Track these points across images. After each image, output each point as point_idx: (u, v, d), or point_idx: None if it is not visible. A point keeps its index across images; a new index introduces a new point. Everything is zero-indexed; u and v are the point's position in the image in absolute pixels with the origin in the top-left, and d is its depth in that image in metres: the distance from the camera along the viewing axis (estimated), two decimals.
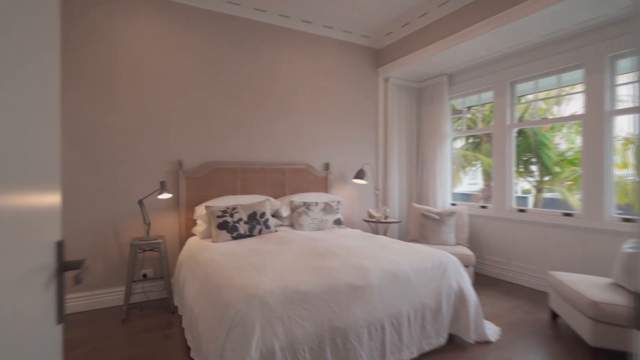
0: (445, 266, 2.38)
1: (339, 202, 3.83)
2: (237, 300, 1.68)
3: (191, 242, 3.03)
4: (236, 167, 3.63)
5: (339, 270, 2.01)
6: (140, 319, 2.83)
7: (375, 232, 4.34)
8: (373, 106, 4.60)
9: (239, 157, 3.70)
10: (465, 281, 2.46)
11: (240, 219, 3.05)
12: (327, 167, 4.23)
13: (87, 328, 2.66)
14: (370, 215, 4.16)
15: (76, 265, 0.68)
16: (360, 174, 4.11)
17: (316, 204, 3.61)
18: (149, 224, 3.04)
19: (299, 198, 3.65)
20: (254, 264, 2.10)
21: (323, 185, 4.17)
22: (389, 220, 4.04)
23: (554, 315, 2.82)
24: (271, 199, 3.50)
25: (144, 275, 3.24)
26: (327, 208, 3.62)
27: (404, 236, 4.67)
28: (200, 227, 3.15)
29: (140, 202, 3.02)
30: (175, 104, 3.37)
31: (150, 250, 3.01)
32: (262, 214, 3.18)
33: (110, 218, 3.10)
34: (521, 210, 3.77)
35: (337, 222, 3.58)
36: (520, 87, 3.94)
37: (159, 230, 3.30)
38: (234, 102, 3.66)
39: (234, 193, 3.62)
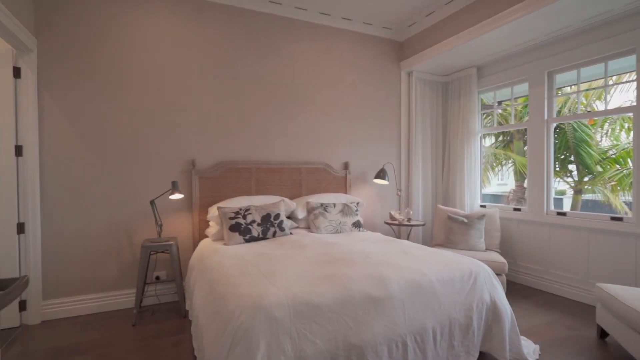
0: (476, 276, 2.12)
1: (358, 203, 3.62)
2: (241, 311, 1.52)
3: (203, 244, 2.92)
4: (251, 166, 3.50)
5: (355, 280, 1.81)
6: (151, 323, 2.74)
7: (398, 235, 4.09)
8: (395, 102, 4.35)
9: (254, 156, 3.56)
10: (499, 293, 2.18)
11: (253, 221, 2.90)
12: (346, 166, 4.02)
13: (98, 331, 2.60)
14: (392, 218, 3.92)
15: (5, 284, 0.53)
16: (381, 174, 3.88)
17: (334, 205, 3.41)
18: (160, 225, 2.95)
19: (316, 199, 3.47)
20: (263, 271, 1.93)
21: (342, 185, 3.97)
22: (412, 223, 3.78)
23: (603, 333, 2.49)
24: (286, 199, 3.34)
25: (157, 278, 3.16)
26: (346, 210, 3.41)
27: (428, 240, 4.39)
28: (212, 228, 3.03)
29: (152, 203, 2.93)
30: (189, 102, 3.28)
31: (162, 252, 2.93)
32: (277, 216, 3.03)
33: (123, 218, 3.04)
34: (560, 214, 3.41)
35: (356, 225, 3.37)
36: (560, 78, 3.57)
37: (172, 231, 3.21)
38: (249, 99, 3.53)
39: (249, 193, 3.49)
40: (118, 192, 3.03)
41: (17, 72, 2.66)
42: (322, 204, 3.36)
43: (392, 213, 3.93)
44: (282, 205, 3.15)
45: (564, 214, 3.39)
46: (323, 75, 3.90)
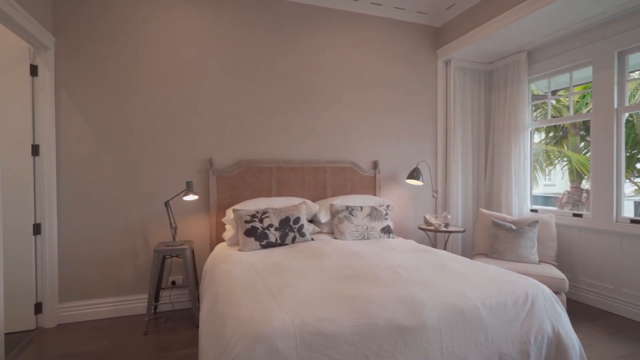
0: (534, 300, 1.71)
1: (388, 206, 3.26)
2: (238, 340, 1.25)
3: (218, 249, 2.72)
4: (271, 165, 3.26)
5: (380, 303, 1.49)
6: (163, 332, 2.58)
7: (433, 244, 3.68)
8: (431, 95, 3.93)
9: (275, 155, 3.33)
10: (564, 322, 1.76)
11: (270, 225, 2.66)
12: (375, 165, 3.67)
13: (108, 339, 2.47)
14: (427, 223, 3.52)
15: None
16: (414, 174, 3.49)
17: (361, 208, 3.08)
18: (175, 228, 2.79)
19: (341, 201, 3.16)
20: (272, 286, 1.66)
21: (370, 186, 3.63)
22: (449, 229, 3.36)
23: None
24: (308, 201, 3.06)
25: (173, 283, 3.01)
26: (374, 213, 3.07)
27: (469, 249, 3.92)
28: (228, 232, 2.82)
29: (167, 204, 2.78)
30: (206, 98, 3.10)
31: (176, 256, 2.76)
32: (297, 220, 2.76)
33: (139, 220, 2.93)
34: (635, 221, 2.84)
35: (386, 231, 3.02)
36: (633, 60, 2.99)
37: (188, 234, 3.05)
38: (269, 95, 3.30)
39: (269, 194, 3.26)
40: (134, 193, 2.91)
41: (34, 70, 2.61)
42: (347, 207, 3.05)
43: (427, 217, 3.53)
44: (303, 207, 2.88)
45: (639, 221, 2.81)
46: (349, 67, 3.58)
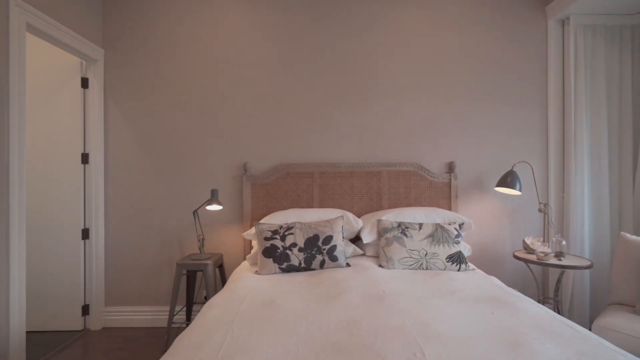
0: None
1: (462, 225, 2.39)
2: None
3: (240, 268, 2.35)
4: (313, 170, 2.77)
5: None
6: None
7: (540, 282, 2.58)
8: (538, 70, 2.83)
9: (317, 158, 2.82)
10: None
11: (294, 244, 2.16)
12: (450, 168, 2.80)
13: (128, 353, 2.36)
14: (527, 249, 2.48)
15: None
16: (508, 180, 2.51)
17: (420, 226, 2.31)
18: (202, 239, 2.56)
19: (394, 215, 2.44)
20: (223, 349, 1.15)
21: (444, 195, 2.78)
22: (563, 262, 2.26)
23: None
24: (350, 215, 2.45)
25: (206, 298, 2.79)
26: (439, 234, 2.26)
27: (600, 294, 2.65)
28: (254, 249, 2.44)
29: (195, 213, 2.57)
30: (241, 99, 2.81)
31: (199, 271, 2.52)
32: (327, 239, 2.19)
33: (175, 228, 2.81)
34: None
35: (456, 260, 2.17)
36: None
37: (220, 246, 2.80)
38: (312, 88, 2.82)
39: (310, 205, 2.77)
40: (171, 200, 2.81)
41: (84, 83, 2.73)
42: (400, 224, 2.32)
43: (529, 242, 2.48)
44: (339, 223, 2.29)
45: None
46: (414, 42, 2.82)
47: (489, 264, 2.81)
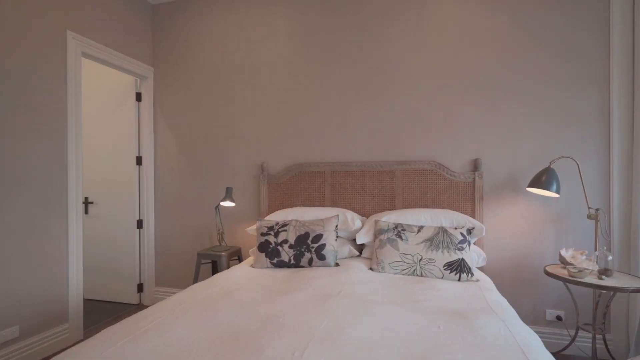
0: None
1: (471, 230, 2.10)
2: None
3: (245, 261, 2.51)
4: (324, 169, 2.77)
5: None
6: None
7: (577, 306, 2.10)
8: (591, 37, 2.30)
9: (329, 157, 2.82)
10: None
11: (285, 241, 2.22)
12: (475, 165, 2.48)
13: None
14: (564, 262, 2.04)
15: None
16: (543, 178, 2.11)
17: (419, 229, 2.12)
18: (221, 233, 2.81)
19: (395, 216, 2.29)
20: (149, 327, 1.29)
21: (467, 196, 2.48)
22: (608, 281, 1.80)
23: None
24: (349, 215, 2.39)
25: None
26: (440, 238, 2.04)
27: None
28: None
29: (217, 208, 2.84)
30: (260, 101, 2.99)
31: (215, 261, 2.77)
32: (317, 237, 2.19)
33: (206, 222, 3.13)
34: None
35: (456, 269, 1.93)
36: None
37: (240, 240, 3.02)
38: (325, 86, 2.83)
39: (322, 203, 2.78)
40: (202, 197, 3.15)
41: (138, 97, 3.26)
42: (397, 226, 2.17)
43: (567, 255, 2.05)
44: (332, 223, 2.26)
45: None
46: (431, 28, 2.59)
47: (523, 279, 2.40)
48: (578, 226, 2.30)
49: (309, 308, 1.41)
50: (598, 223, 2.12)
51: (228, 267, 2.73)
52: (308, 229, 2.24)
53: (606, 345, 2.02)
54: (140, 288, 3.27)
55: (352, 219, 2.36)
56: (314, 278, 1.84)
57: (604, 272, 1.89)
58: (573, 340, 2.05)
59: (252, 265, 2.26)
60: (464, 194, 2.49)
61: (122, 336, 1.19)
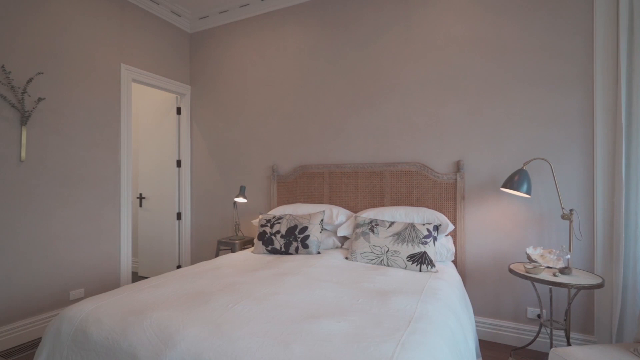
0: None
1: (438, 226, 2.28)
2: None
3: (250, 249, 2.97)
4: (323, 170, 3.12)
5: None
6: None
7: (542, 303, 2.16)
8: (572, 41, 2.31)
9: (327, 159, 3.15)
10: None
11: (277, 232, 2.62)
12: (457, 167, 2.63)
13: None
14: (530, 259, 2.13)
15: None
16: (515, 179, 2.21)
17: (390, 224, 2.36)
18: (237, 224, 3.31)
19: (374, 213, 2.55)
20: (148, 286, 1.78)
21: (449, 195, 2.63)
22: (558, 280, 1.88)
23: None
24: (337, 210, 2.71)
25: None
26: (407, 233, 2.27)
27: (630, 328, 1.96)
28: None
29: (234, 204, 3.35)
30: (272, 110, 3.43)
31: (229, 248, 3.27)
32: (303, 229, 2.55)
33: (230, 214, 3.67)
34: None
35: (417, 260, 2.15)
36: None
37: (254, 231, 3.48)
38: (325, 96, 3.17)
39: (321, 201, 3.13)
40: (227, 194, 3.69)
41: (178, 111, 3.93)
42: (372, 221, 2.43)
43: (534, 253, 2.13)
44: (318, 217, 2.60)
45: None
46: (417, 37, 2.78)
47: (507, 277, 2.48)
48: (560, 226, 2.33)
49: (265, 280, 1.79)
50: (572, 223, 2.16)
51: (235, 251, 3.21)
52: (297, 222, 2.61)
53: (568, 342, 2.06)
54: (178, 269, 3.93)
55: (337, 215, 2.68)
56: (289, 261, 2.22)
57: (563, 270, 1.95)
58: (536, 336, 2.12)
59: (252, 251, 2.70)
60: (447, 193, 2.64)
61: (130, 290, 1.70)
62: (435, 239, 2.24)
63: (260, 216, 2.83)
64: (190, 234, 3.94)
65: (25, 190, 2.54)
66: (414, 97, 2.80)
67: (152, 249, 4.05)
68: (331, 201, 3.08)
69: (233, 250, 3.14)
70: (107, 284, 3.09)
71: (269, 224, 2.70)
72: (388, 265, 2.22)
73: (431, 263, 2.14)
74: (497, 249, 2.51)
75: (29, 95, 2.55)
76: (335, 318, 1.34)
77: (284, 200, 3.31)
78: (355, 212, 2.96)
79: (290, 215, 2.71)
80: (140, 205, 4.15)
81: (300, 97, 3.29)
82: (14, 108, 2.47)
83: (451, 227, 2.35)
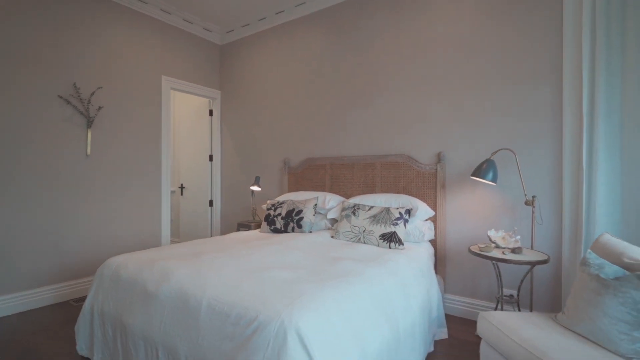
0: (261, 328, 1.29)
1: (409, 210, 2.58)
2: None
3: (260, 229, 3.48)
4: (326, 162, 3.52)
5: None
6: None
7: (500, 281, 2.35)
8: (542, 39, 2.44)
9: (329, 152, 3.55)
10: None
11: (279, 214, 3.09)
12: (439, 158, 2.87)
13: None
14: (490, 241, 2.34)
15: None
16: (483, 167, 2.43)
17: (369, 208, 2.71)
18: (254, 209, 3.86)
19: (359, 199, 2.91)
20: (171, 247, 2.36)
21: (430, 184, 2.89)
22: (505, 257, 2.09)
23: None
24: (327, 197, 3.10)
25: None
26: (381, 216, 2.59)
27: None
28: None
29: (252, 192, 3.89)
30: (288, 109, 3.91)
31: (246, 229, 3.81)
32: (298, 212, 2.98)
33: (251, 203, 4.23)
34: None
35: (388, 239, 2.47)
36: None
37: None
38: (329, 95, 3.57)
39: (323, 189, 3.54)
40: (248, 184, 4.26)
41: (210, 112, 4.59)
42: (355, 205, 2.79)
43: (493, 235, 2.34)
44: (312, 202, 3.02)
45: None
46: (407, 41, 3.05)
47: (484, 261, 2.69)
48: (530, 212, 2.49)
49: (251, 247, 2.27)
50: (534, 209, 2.32)
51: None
52: (295, 206, 3.05)
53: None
54: None
55: (329, 200, 3.07)
56: (280, 237, 2.67)
57: (514, 250, 2.15)
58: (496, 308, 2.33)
59: (259, 230, 3.21)
60: (429, 182, 2.90)
61: (153, 249, 2.28)
62: (406, 221, 2.54)
63: (268, 201, 3.32)
64: (221, 219, 4.58)
65: (89, 179, 3.30)
66: (404, 95, 3.08)
67: (190, 231, 4.78)
68: (332, 190, 3.47)
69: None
70: None
71: (273, 208, 3.17)
72: (364, 243, 2.57)
73: (399, 241, 2.45)
74: (474, 234, 2.72)
75: (92, 105, 3.31)
76: (286, 271, 1.76)
77: (292, 189, 3.77)
78: (350, 199, 3.32)
79: (290, 200, 3.16)
80: (182, 194, 4.90)
81: (309, 98, 3.72)
82: (82, 115, 3.23)
83: (430, 212, 2.63)
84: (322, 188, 3.54)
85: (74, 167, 3.19)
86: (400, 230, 2.49)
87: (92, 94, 3.27)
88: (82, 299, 3.11)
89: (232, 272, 1.73)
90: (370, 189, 3.21)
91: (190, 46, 4.21)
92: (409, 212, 2.58)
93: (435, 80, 2.91)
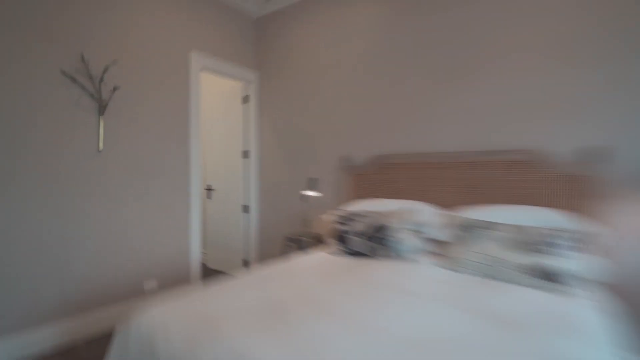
0: None
1: (583, 234, 1.74)
2: None
3: (323, 248, 2.68)
4: (405, 161, 2.70)
5: None
6: None
7: None
8: None
9: (411, 148, 2.72)
10: None
11: (356, 231, 2.28)
12: (596, 154, 2.03)
13: None
14: None
15: None
16: None
17: (505, 227, 1.87)
18: (306, 220, 3.05)
19: (480, 212, 2.08)
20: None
21: (573, 193, 2.05)
22: None
23: None
24: (424, 207, 2.28)
25: None
26: (531, 238, 1.76)
27: None
28: None
29: (303, 197, 3.09)
30: (348, 94, 3.09)
31: (297, 245, 3.02)
32: (387, 229, 2.17)
33: (298, 208, 3.41)
34: None
35: (542, 276, 1.65)
36: None
37: (322, 228, 3.19)
38: (408, 75, 2.74)
39: (398, 196, 2.72)
40: (295, 186, 3.45)
41: (245, 99, 3.78)
42: (479, 222, 1.96)
43: None
44: (405, 216, 2.20)
45: None
46: None
47: None
48: None
49: (352, 294, 1.46)
50: None
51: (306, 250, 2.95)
52: (379, 220, 2.24)
53: None
54: (245, 263, 3.82)
55: (427, 213, 2.25)
56: (374, 269, 1.87)
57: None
58: None
59: (327, 252, 2.40)
60: (571, 190, 2.06)
61: (201, 294, 1.49)
62: (577, 250, 1.71)
63: (334, 212, 2.51)
64: (260, 230, 3.78)
65: (102, 179, 2.53)
66: (517, 71, 2.23)
67: (219, 241, 4.01)
68: (415, 196, 2.65)
69: (300, 248, 2.88)
70: (178, 275, 3.04)
71: (344, 222, 2.37)
72: (496, 279, 1.75)
73: (561, 281, 1.62)
74: None
75: (105, 84, 2.52)
76: None
77: (358, 194, 2.95)
78: (448, 209, 2.49)
79: (370, 212, 2.35)
80: (209, 197, 4.12)
81: (376, 78, 2.89)
82: (93, 98, 2.46)
83: (603, 235, 1.79)
84: (400, 194, 2.72)
85: (82, 165, 2.43)
86: (569, 264, 1.66)
87: (106, 69, 2.49)
88: (96, 341, 2.35)
89: None
90: (473, 198, 2.38)
91: (221, 18, 3.40)
92: (581, 236, 1.74)
93: (565, 44, 2.06)
